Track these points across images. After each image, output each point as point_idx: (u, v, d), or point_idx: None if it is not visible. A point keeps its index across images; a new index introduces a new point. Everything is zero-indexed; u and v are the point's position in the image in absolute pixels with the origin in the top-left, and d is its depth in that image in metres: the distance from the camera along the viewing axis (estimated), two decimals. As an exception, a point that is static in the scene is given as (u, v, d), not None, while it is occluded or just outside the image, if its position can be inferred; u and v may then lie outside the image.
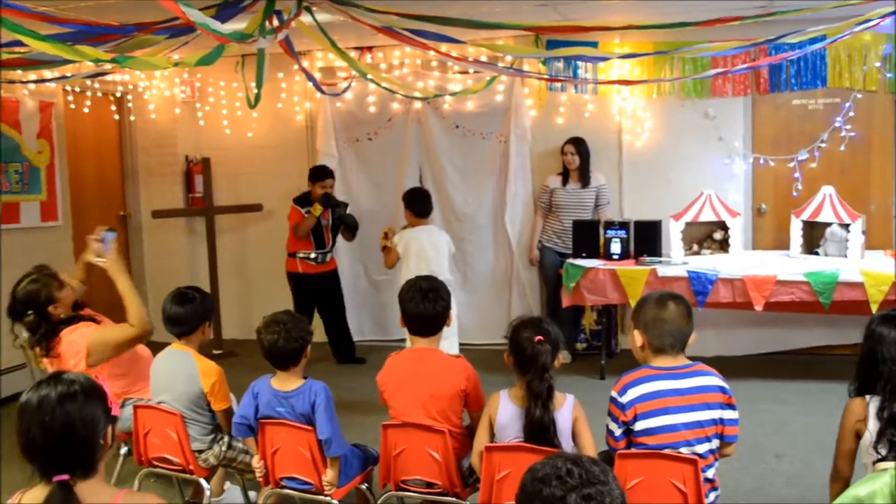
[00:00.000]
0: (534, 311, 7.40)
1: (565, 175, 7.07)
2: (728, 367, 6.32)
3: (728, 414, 2.97)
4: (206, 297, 3.90)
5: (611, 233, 6.53)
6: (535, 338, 3.01)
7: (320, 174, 7.00)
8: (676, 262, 6.30)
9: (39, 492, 2.04)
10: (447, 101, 7.45)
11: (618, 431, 2.98)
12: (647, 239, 6.51)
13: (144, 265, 8.50)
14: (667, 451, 2.89)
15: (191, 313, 3.81)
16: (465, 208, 7.71)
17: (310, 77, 6.11)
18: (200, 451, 3.77)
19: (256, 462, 3.49)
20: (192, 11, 3.21)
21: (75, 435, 2.06)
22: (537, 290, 7.53)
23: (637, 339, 3.07)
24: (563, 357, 6.64)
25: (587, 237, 6.69)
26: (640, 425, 2.92)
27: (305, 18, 5.24)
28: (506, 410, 3.10)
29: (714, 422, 2.94)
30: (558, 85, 7.25)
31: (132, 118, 8.16)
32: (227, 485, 4.28)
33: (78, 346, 3.84)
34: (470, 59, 6.22)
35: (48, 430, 2.04)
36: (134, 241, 8.43)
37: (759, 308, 5.96)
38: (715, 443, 2.97)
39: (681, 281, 6.07)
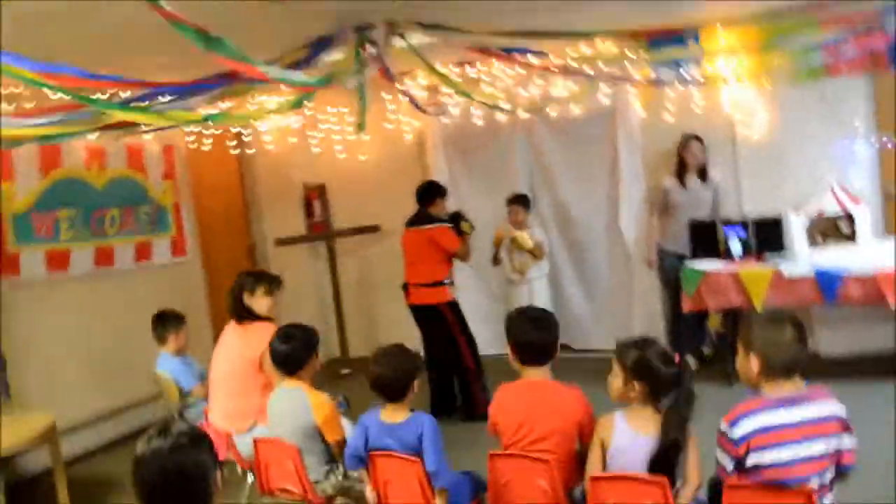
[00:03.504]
0: (655, 316, 7.19)
1: (681, 173, 6.84)
2: (859, 367, 6.21)
3: (846, 442, 2.79)
4: (309, 333, 4.00)
5: (729, 231, 6.28)
6: (674, 358, 2.91)
7: (442, 188, 6.49)
8: (801, 258, 6.01)
9: None
10: (553, 108, 7.33)
11: (730, 466, 2.81)
12: (768, 236, 6.25)
13: None
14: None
15: (295, 351, 3.90)
16: (578, 213, 7.63)
17: (412, 100, 6.13)
18: (317, 482, 3.84)
19: (369, 493, 3.52)
20: (271, 69, 3.29)
21: (191, 484, 2.16)
22: (658, 294, 7.29)
23: (753, 363, 2.86)
24: (690, 363, 6.68)
25: (705, 237, 6.46)
26: (751, 460, 2.76)
27: (399, 43, 5.27)
28: (623, 436, 3.00)
29: (831, 454, 2.76)
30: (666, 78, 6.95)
31: (249, 151, 8.41)
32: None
33: None
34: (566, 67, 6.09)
35: (167, 481, 2.14)
36: (263, 266, 8.61)
37: (894, 305, 5.57)
38: (831, 473, 2.79)
39: (806, 280, 5.78)
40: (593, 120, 7.32)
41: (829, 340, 6.68)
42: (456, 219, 6.31)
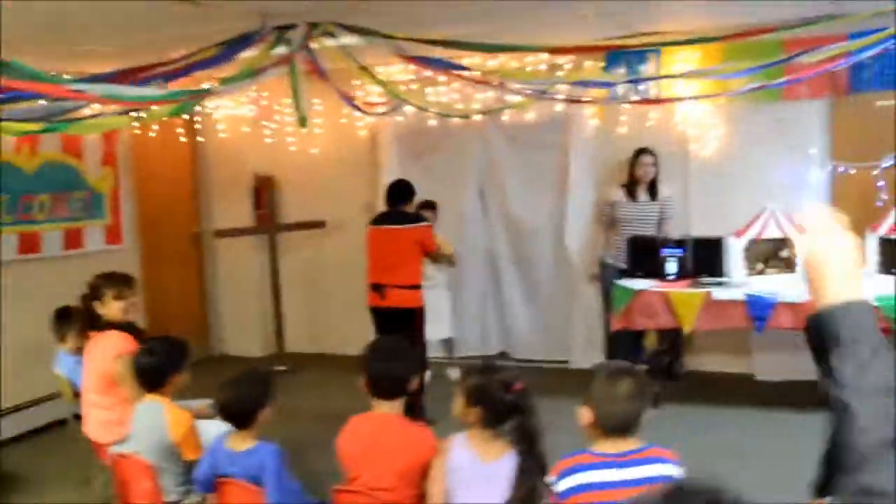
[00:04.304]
0: (595, 329, 7.13)
1: (631, 187, 6.71)
2: (790, 394, 6.13)
3: None
4: (176, 347, 3.82)
5: (666, 251, 6.15)
6: (515, 386, 2.85)
7: (413, 188, 6.32)
8: (735, 283, 5.87)
9: None
10: (506, 112, 7.18)
11: None
12: (707, 258, 6.10)
13: (217, 281, 8.65)
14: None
15: (157, 366, 3.75)
16: (526, 222, 7.50)
17: (347, 100, 5.97)
18: (177, 503, 3.69)
19: (216, 519, 3.39)
20: (92, 87, 3.09)
21: None
22: (598, 306, 7.15)
23: (584, 415, 2.74)
24: None
25: (645, 255, 6.31)
26: None
27: (330, 41, 5.14)
28: (461, 456, 2.92)
29: None
30: (620, 92, 6.77)
31: (200, 139, 8.27)
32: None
33: None
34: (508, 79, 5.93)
35: None
36: (207, 258, 8.59)
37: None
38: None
39: (737, 305, 5.67)
40: (547, 126, 7.18)
41: (765, 365, 6.57)
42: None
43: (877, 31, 4.86)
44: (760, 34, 5.17)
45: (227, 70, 5.05)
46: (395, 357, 3.30)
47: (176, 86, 4.85)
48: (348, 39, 5.16)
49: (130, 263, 7.28)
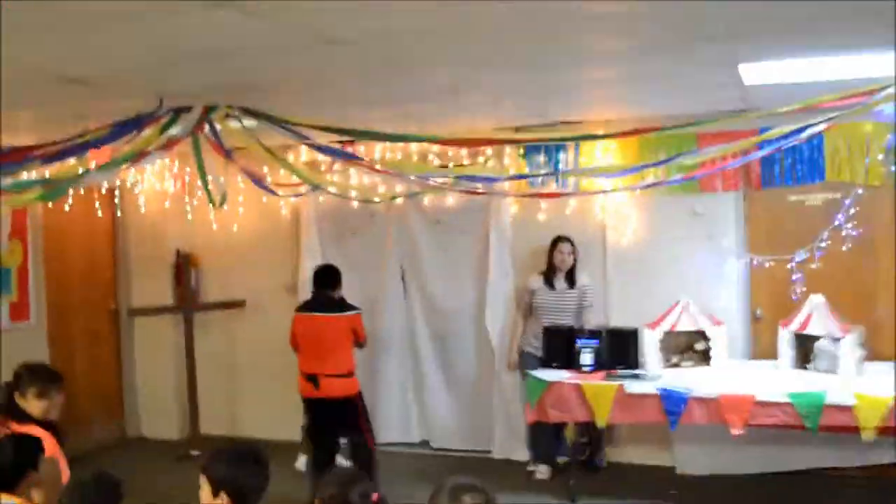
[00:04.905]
0: (517, 417, 6.95)
1: (549, 274, 6.67)
2: (716, 489, 6.09)
3: None
4: (29, 444, 3.56)
5: (581, 342, 6.09)
6: (373, 497, 2.78)
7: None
8: (651, 376, 5.81)
9: None
10: (427, 196, 7.14)
11: None
12: (622, 348, 6.06)
13: (133, 360, 8.43)
14: None
15: (4, 465, 3.43)
16: (445, 306, 7.39)
17: (256, 181, 5.87)
18: None
19: None
20: None
21: None
22: (520, 395, 6.96)
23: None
24: (541, 472, 6.53)
25: (560, 344, 6.25)
26: None
27: (234, 123, 5.07)
28: None
29: None
30: (539, 180, 6.81)
31: (119, 214, 8.15)
32: None
33: None
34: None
35: None
36: (124, 336, 8.38)
37: (736, 431, 5.40)
38: None
39: (651, 398, 5.60)
40: (466, 211, 7.12)
41: (687, 458, 6.49)
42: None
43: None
44: (675, 128, 5.21)
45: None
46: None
47: (53, 168, 4.70)
48: (248, 122, 5.10)
49: (37, 340, 7.14)
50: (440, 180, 5.88)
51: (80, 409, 7.33)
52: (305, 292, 6.87)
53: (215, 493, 2.86)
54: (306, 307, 6.10)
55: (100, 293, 8.13)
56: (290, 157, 6.79)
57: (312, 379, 5.90)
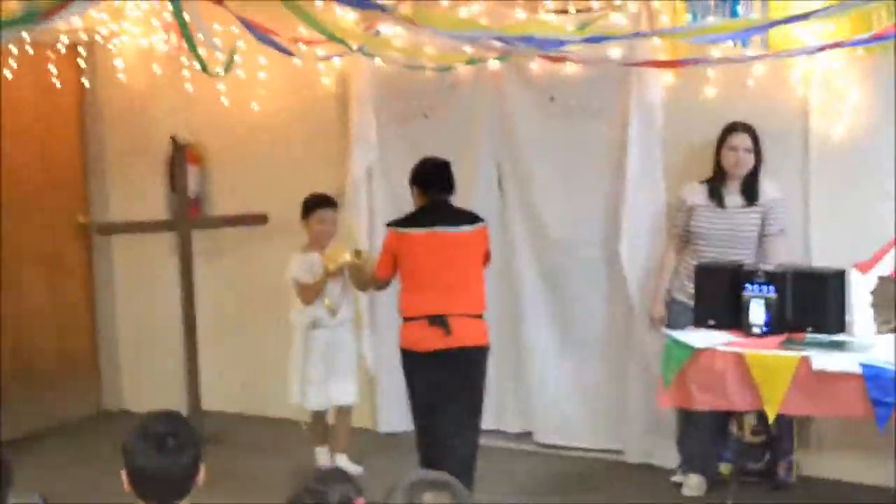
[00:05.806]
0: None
1: (717, 184, 6.34)
2: None
3: None
4: None
5: (752, 289, 5.75)
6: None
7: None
8: (858, 345, 5.47)
9: None
10: (536, 59, 6.85)
11: None
12: (816, 301, 5.72)
13: (112, 297, 8.46)
14: None
15: None
16: (561, 230, 7.16)
17: (261, 35, 5.36)
18: None
19: None
20: None
21: None
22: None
23: None
24: (690, 486, 6.41)
25: (720, 291, 5.94)
26: None
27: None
28: None
29: None
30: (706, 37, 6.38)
31: (87, 84, 8.09)
32: None
33: None
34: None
35: None
36: (99, 260, 8.42)
37: None
38: None
39: (851, 380, 5.21)
40: (595, 84, 6.82)
41: None
42: None
43: None
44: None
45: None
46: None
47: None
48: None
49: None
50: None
51: (36, 371, 7.49)
52: (356, 202, 7.15)
53: None
54: (419, 221, 6.06)
55: (62, 201, 8.26)
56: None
57: (439, 321, 5.83)
